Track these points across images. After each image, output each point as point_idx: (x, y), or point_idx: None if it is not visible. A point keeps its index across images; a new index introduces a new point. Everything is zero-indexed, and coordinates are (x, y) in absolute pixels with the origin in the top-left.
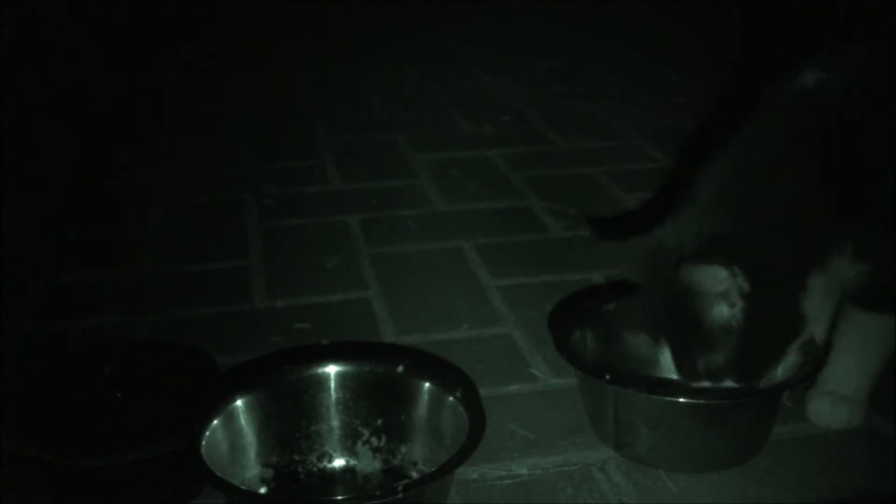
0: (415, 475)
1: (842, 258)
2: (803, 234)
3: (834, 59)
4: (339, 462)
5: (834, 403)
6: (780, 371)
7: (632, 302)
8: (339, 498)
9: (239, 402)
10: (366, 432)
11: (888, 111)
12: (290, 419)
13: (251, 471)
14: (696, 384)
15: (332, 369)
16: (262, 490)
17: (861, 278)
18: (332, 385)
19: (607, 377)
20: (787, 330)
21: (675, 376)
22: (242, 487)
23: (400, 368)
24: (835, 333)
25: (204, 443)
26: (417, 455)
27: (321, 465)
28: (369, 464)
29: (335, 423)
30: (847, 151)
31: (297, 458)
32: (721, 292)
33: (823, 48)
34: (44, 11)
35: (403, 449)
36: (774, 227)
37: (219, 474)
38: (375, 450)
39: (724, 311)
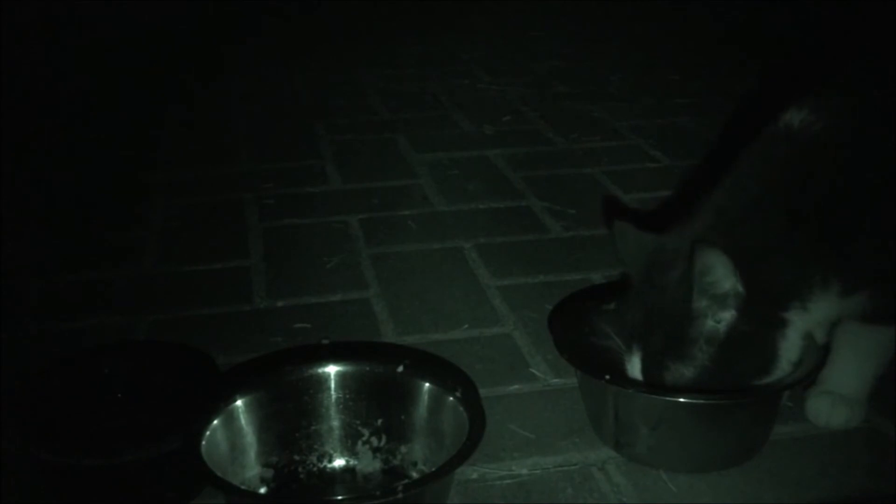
0: (415, 475)
1: (827, 295)
2: (780, 269)
3: (821, 101)
4: (339, 462)
5: (833, 403)
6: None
7: (621, 301)
8: (339, 498)
9: (239, 402)
10: (366, 432)
11: (868, 157)
12: (290, 419)
13: (251, 471)
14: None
15: (332, 369)
16: (262, 490)
17: (863, 304)
18: (332, 385)
19: (607, 377)
20: (757, 365)
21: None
22: (242, 487)
23: (400, 368)
24: (835, 334)
25: (204, 443)
26: (417, 455)
27: (321, 465)
28: (369, 464)
29: (335, 423)
30: (827, 190)
31: (297, 458)
32: (722, 293)
33: (813, 91)
34: (44, 11)
35: (403, 449)
36: (755, 260)
37: (219, 474)
38: (375, 450)
39: (711, 324)
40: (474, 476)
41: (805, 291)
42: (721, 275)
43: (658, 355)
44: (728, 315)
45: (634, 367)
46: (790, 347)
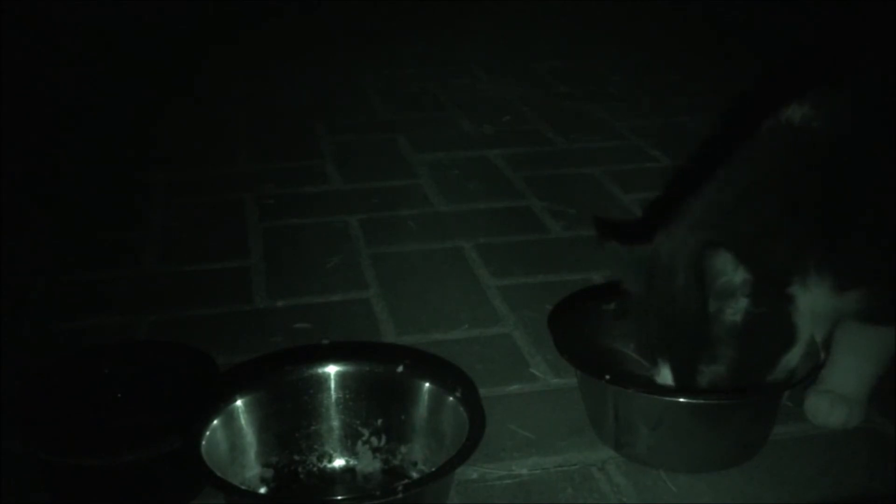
0: (415, 475)
1: (822, 286)
2: (776, 253)
3: (822, 98)
4: (339, 462)
5: (832, 402)
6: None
7: (624, 310)
8: (339, 498)
9: (239, 402)
10: (366, 432)
11: (867, 154)
12: (290, 419)
13: (251, 471)
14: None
15: (332, 369)
16: (262, 490)
17: (859, 302)
18: (332, 385)
19: (607, 377)
20: (784, 338)
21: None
22: (242, 487)
23: (400, 368)
24: (836, 335)
25: (204, 443)
26: (417, 455)
27: (321, 465)
28: (369, 464)
29: (335, 423)
30: (823, 185)
31: (297, 458)
32: (733, 288)
33: (815, 87)
34: (46, 12)
35: (403, 449)
36: (750, 245)
37: (219, 474)
38: (375, 450)
39: (728, 317)
40: (474, 476)
41: (802, 273)
42: (731, 272)
43: (689, 363)
44: (741, 303)
45: (666, 380)
46: (804, 321)
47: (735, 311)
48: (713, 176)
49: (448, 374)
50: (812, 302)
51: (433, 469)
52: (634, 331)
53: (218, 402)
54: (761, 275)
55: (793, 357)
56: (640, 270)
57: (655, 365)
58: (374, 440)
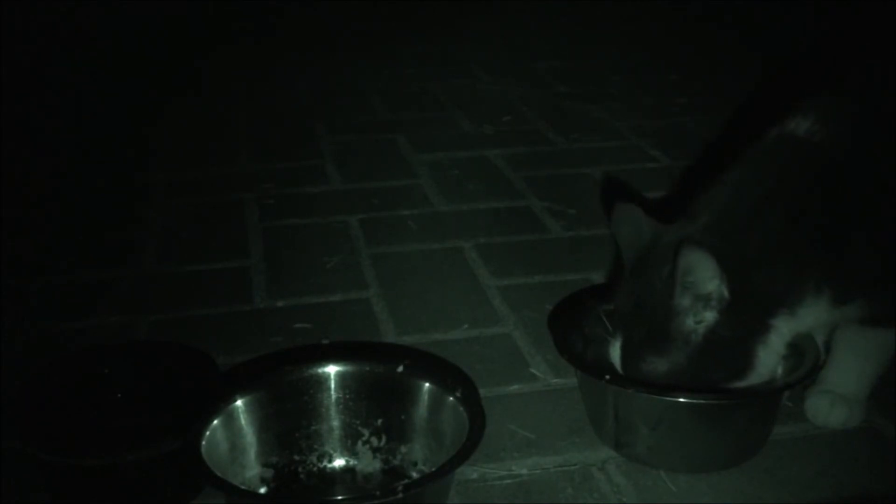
0: (415, 475)
1: (819, 302)
2: (774, 274)
3: (827, 109)
4: (339, 462)
5: (832, 402)
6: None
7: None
8: (339, 498)
9: (239, 402)
10: (366, 432)
11: (872, 166)
12: (290, 419)
13: (251, 471)
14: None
15: (332, 369)
16: (262, 490)
17: (858, 311)
18: (332, 385)
19: (607, 377)
20: (733, 369)
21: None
22: (242, 487)
23: (400, 368)
24: (836, 335)
25: (204, 443)
26: (417, 455)
27: (321, 465)
28: (369, 464)
29: (335, 423)
30: (827, 199)
31: (297, 458)
32: (704, 294)
33: (817, 98)
34: (46, 12)
35: (403, 449)
36: (750, 264)
37: (219, 474)
38: (375, 450)
39: (690, 323)
40: (474, 476)
41: (796, 297)
42: (704, 276)
43: (637, 346)
44: (709, 317)
45: (615, 352)
46: (770, 354)
47: (700, 319)
48: (721, 181)
49: (448, 374)
50: (799, 325)
51: (433, 469)
52: (614, 298)
53: (218, 402)
54: (749, 297)
55: (737, 384)
56: (639, 243)
57: (614, 336)
58: (374, 440)
